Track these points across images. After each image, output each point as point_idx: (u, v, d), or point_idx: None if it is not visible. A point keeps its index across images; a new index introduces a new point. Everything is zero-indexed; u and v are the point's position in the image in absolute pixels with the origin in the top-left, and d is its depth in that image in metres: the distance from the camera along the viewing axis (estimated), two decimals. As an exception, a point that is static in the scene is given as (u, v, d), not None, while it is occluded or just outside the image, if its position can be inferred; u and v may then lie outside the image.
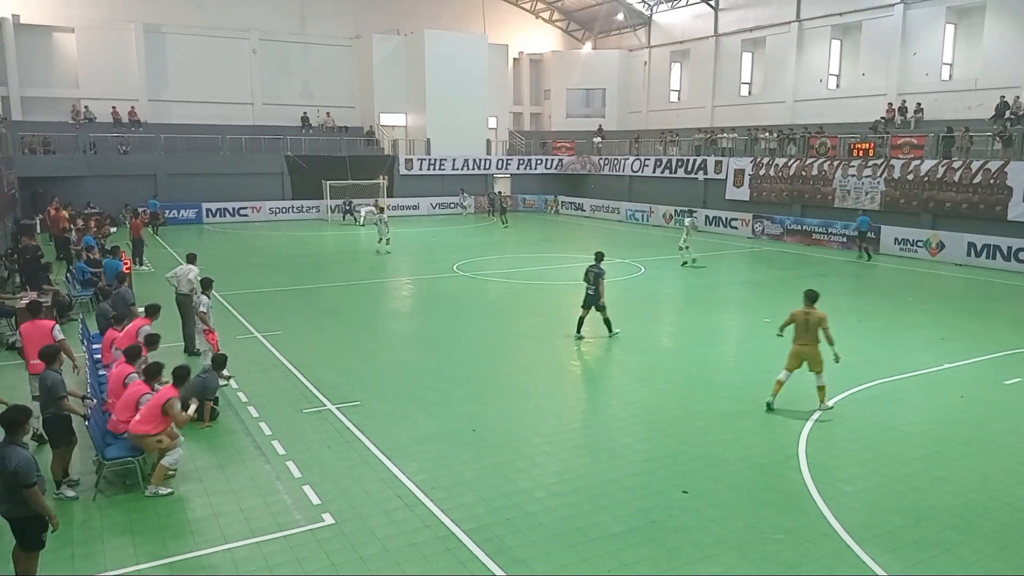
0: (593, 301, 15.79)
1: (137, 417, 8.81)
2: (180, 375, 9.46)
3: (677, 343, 16.39)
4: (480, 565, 7.23)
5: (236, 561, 7.33)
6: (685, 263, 25.42)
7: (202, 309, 12.60)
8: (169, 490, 8.70)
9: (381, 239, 28.51)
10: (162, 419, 8.80)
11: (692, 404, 11.85)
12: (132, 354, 9.57)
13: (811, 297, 11.77)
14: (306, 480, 9.02)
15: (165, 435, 8.85)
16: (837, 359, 11.30)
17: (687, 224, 26.69)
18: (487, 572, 7.12)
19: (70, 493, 8.58)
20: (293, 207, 40.96)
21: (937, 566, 7.29)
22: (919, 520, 8.16)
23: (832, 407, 11.61)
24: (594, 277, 15.71)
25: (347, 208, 40.41)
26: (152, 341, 10.35)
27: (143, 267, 24.58)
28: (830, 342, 11.27)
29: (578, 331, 15.96)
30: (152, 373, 9.38)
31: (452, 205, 44.97)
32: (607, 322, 15.95)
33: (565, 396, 12.51)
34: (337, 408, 11.53)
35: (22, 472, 6.19)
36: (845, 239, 30.41)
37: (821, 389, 11.51)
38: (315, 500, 8.51)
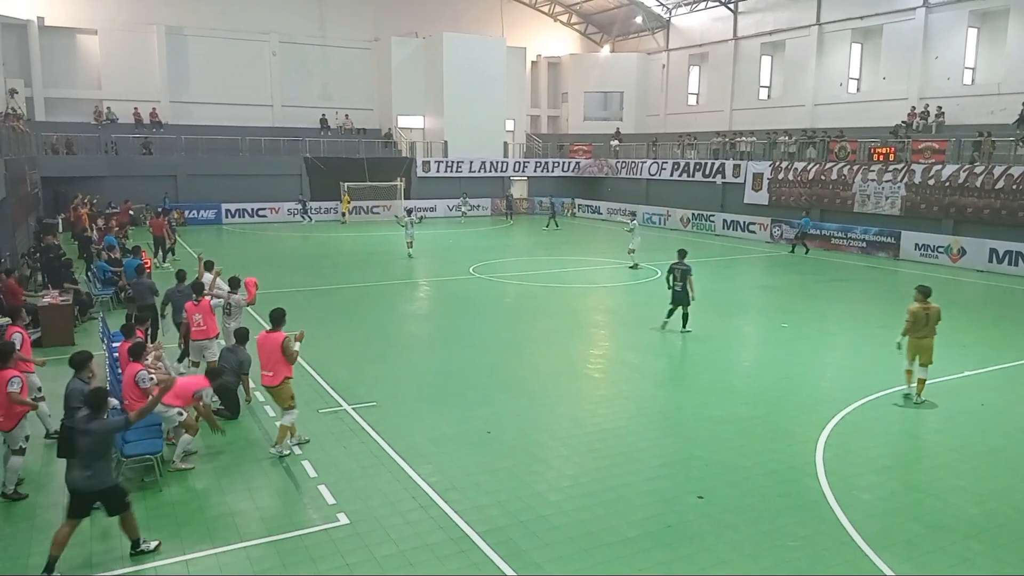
0: (682, 299, 16.35)
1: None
2: (214, 373, 10.00)
3: (693, 348, 16.29)
4: (494, 567, 7.23)
5: (251, 560, 7.38)
6: (635, 266, 25.67)
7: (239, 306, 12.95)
8: (288, 451, 9.66)
9: (408, 242, 27.98)
10: (189, 399, 9.34)
11: (708, 409, 11.79)
12: (136, 351, 9.61)
13: (925, 292, 12.25)
14: (321, 480, 9.06)
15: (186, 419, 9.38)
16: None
17: (634, 225, 26.63)
18: (501, 574, 7.12)
19: None
20: (314, 207, 41.15)
21: (956, 575, 7.21)
22: (938, 529, 8.07)
23: (923, 401, 11.97)
24: (681, 274, 16.27)
25: (302, 207, 40.21)
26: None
27: (165, 265, 24.85)
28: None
29: (667, 318, 16.74)
30: (137, 352, 9.57)
31: (469, 207, 44.96)
32: (685, 317, 16.53)
33: (580, 399, 12.49)
34: (353, 408, 11.58)
35: (115, 427, 7.25)
36: (865, 244, 30.17)
37: (922, 382, 12.00)
38: (330, 500, 8.55)
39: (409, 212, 29.47)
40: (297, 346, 9.93)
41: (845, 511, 8.38)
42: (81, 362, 8.57)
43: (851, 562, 7.40)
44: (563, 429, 10.90)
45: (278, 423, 9.94)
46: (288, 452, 9.78)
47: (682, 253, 16.79)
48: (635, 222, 26.94)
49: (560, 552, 7.50)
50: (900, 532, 7.99)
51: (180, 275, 13.86)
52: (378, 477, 9.18)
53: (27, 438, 8.81)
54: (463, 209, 44.11)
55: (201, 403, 9.40)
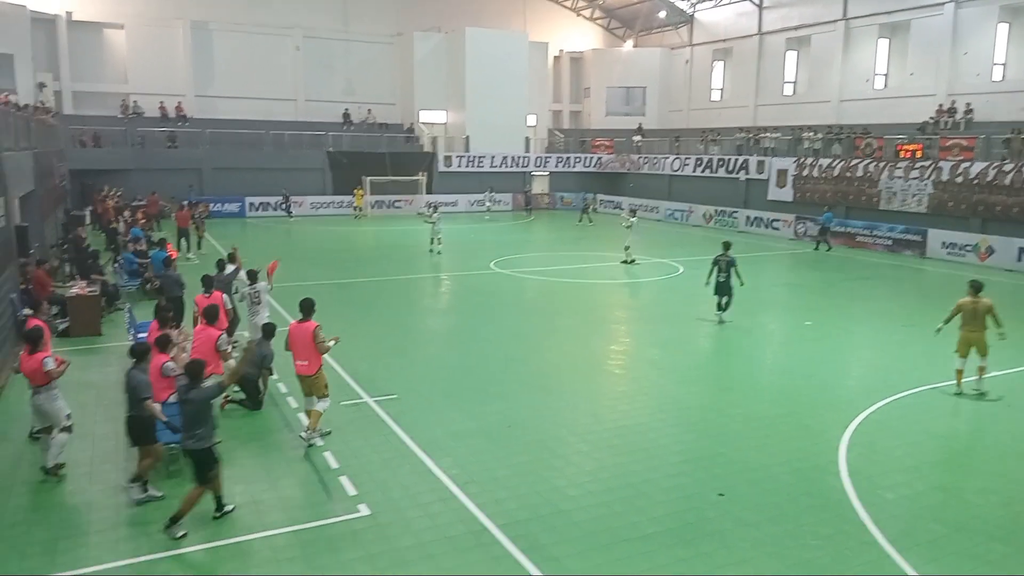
0: (726, 289, 16.89)
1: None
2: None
3: (716, 344, 16.21)
4: (513, 561, 7.25)
5: (274, 548, 7.45)
6: (632, 261, 25.43)
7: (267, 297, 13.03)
8: (316, 436, 9.86)
9: (433, 239, 27.34)
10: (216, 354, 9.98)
11: (730, 407, 11.72)
12: (163, 343, 9.63)
13: (976, 287, 12.45)
14: (343, 471, 9.13)
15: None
16: (1003, 337, 12.22)
17: (633, 221, 25.90)
18: (520, 568, 7.14)
19: (157, 494, 8.50)
20: (334, 202, 41.37)
21: (981, 578, 7.12)
22: (963, 530, 7.97)
23: (987, 392, 12.21)
24: (726, 265, 16.87)
25: (284, 202, 39.23)
26: (209, 314, 10.61)
27: (190, 256, 25.14)
28: (999, 324, 12.17)
29: (719, 317, 17.25)
30: (163, 344, 9.59)
31: (495, 203, 44.90)
32: (728, 304, 17.15)
33: (601, 395, 12.47)
34: (374, 401, 11.65)
35: (212, 393, 7.86)
36: (891, 242, 29.80)
37: (981, 369, 12.25)
38: (351, 491, 8.62)
39: (435, 208, 28.55)
40: (331, 343, 10.10)
41: (868, 511, 8.30)
42: (142, 353, 8.69)
43: (874, 562, 7.33)
44: (583, 424, 10.89)
45: (313, 408, 9.99)
46: (315, 441, 9.85)
47: (727, 245, 17.36)
48: (634, 219, 26.10)
49: (579, 547, 7.50)
50: (924, 533, 7.90)
51: (221, 264, 14.03)
52: (399, 469, 9.23)
53: (69, 415, 9.11)
54: (487, 204, 43.52)
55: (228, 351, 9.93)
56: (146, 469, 8.46)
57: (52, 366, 8.92)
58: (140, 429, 8.37)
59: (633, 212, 27.76)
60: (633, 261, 25.37)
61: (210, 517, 8.00)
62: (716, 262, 17.03)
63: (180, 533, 7.57)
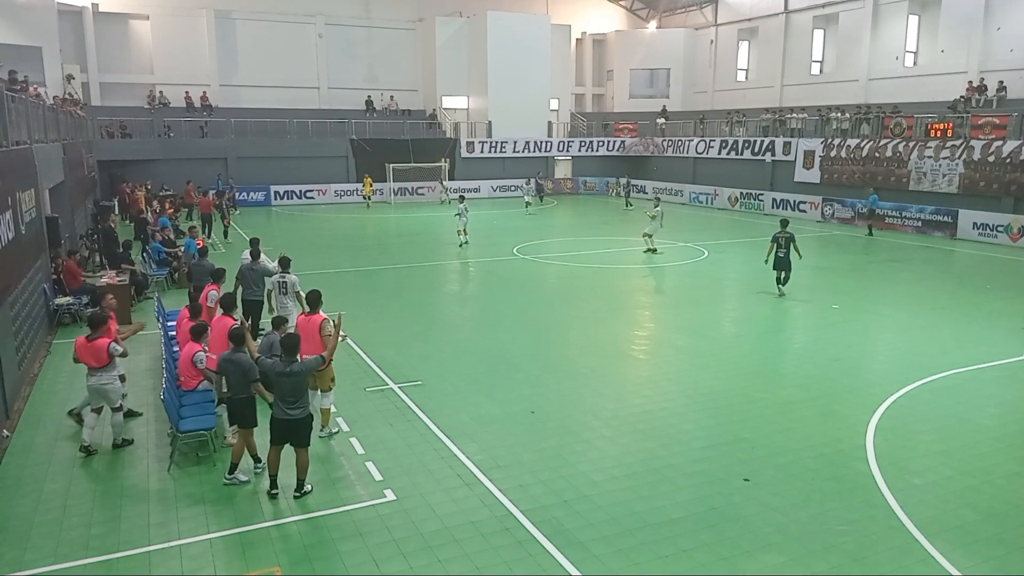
0: (785, 264, 17.92)
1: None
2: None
3: (741, 329, 16.09)
4: (538, 546, 7.29)
5: (301, 533, 7.57)
6: (653, 250, 24.26)
7: (297, 289, 12.81)
8: (337, 428, 9.93)
9: (461, 230, 26.06)
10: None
11: (756, 391, 11.65)
12: (198, 332, 9.84)
13: None
14: (369, 457, 9.23)
15: None
16: None
17: (657, 212, 24.43)
18: (545, 552, 7.18)
19: (243, 478, 8.65)
20: (357, 190, 41.53)
21: (1012, 565, 7.03)
22: (993, 516, 7.87)
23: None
24: (785, 241, 17.86)
25: (229, 190, 35.08)
26: (227, 303, 10.46)
27: (209, 241, 25.54)
28: None
29: (780, 289, 18.26)
30: (198, 332, 9.78)
31: (514, 188, 44.76)
32: (787, 279, 18.12)
33: (625, 380, 12.44)
34: (399, 387, 11.74)
35: (311, 366, 8.30)
36: (921, 223, 29.31)
37: None
38: (377, 476, 8.71)
39: (462, 198, 27.09)
40: (339, 334, 9.58)
41: (896, 496, 8.23)
42: (241, 337, 8.85)
43: (901, 548, 7.27)
44: (607, 410, 10.89)
45: (320, 407, 9.74)
46: (337, 430, 9.98)
47: (784, 222, 18.56)
48: (659, 208, 24.71)
49: (604, 532, 7.52)
50: (953, 518, 7.81)
51: (254, 254, 13.95)
52: (424, 455, 9.30)
53: (124, 396, 9.62)
54: (527, 196, 38.05)
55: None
56: (240, 452, 8.72)
57: (119, 351, 9.50)
58: (250, 410, 8.65)
59: (659, 200, 26.09)
60: (653, 251, 24.28)
61: (239, 501, 8.14)
62: (775, 239, 18.03)
63: (308, 488, 8.30)
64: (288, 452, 8.29)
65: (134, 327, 11.42)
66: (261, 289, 13.49)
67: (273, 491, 8.27)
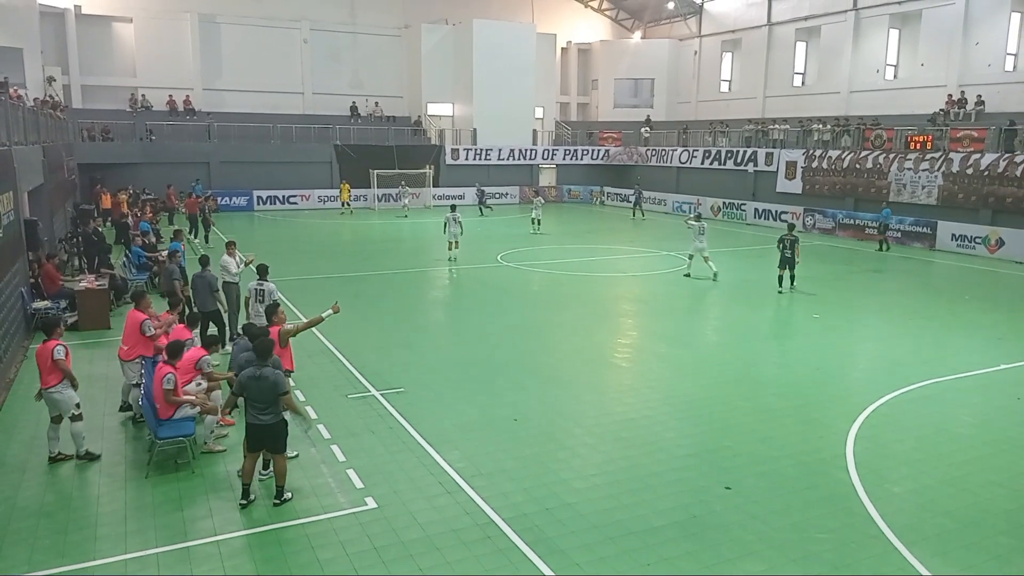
0: (790, 263, 19.64)
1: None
2: (209, 342, 10.10)
3: (723, 337, 16.17)
4: (519, 554, 7.26)
5: (281, 541, 7.49)
6: (715, 274, 21.60)
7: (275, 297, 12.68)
8: (295, 452, 9.22)
9: (452, 243, 24.26)
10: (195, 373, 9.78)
11: (737, 399, 11.70)
12: (173, 352, 9.56)
13: None
14: (350, 464, 9.17)
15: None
16: None
17: (699, 224, 21.76)
18: (526, 561, 7.15)
19: (288, 495, 8.33)
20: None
21: (988, 571, 7.10)
22: (970, 524, 7.94)
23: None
24: (790, 243, 19.62)
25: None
26: (177, 349, 9.72)
27: (196, 240, 25.40)
28: None
29: (780, 286, 19.91)
30: (173, 352, 9.56)
31: (497, 195, 44.81)
32: (793, 278, 19.89)
33: (607, 388, 12.46)
34: (381, 394, 11.68)
35: (281, 383, 7.98)
36: (900, 234, 29.64)
37: None
38: (359, 484, 8.65)
39: (453, 207, 25.07)
40: (328, 312, 10.19)
41: (875, 504, 8.29)
42: (268, 350, 8.61)
43: (880, 556, 7.32)
44: (589, 417, 10.90)
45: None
46: (294, 455, 9.10)
47: (791, 226, 20.62)
48: (701, 223, 21.75)
49: (586, 540, 7.51)
50: (931, 527, 7.88)
51: (203, 260, 13.97)
52: (405, 462, 9.25)
53: (78, 404, 9.27)
54: (535, 212, 32.83)
55: (209, 374, 9.81)
56: (284, 473, 8.34)
57: (61, 356, 9.26)
58: (283, 433, 8.19)
59: (698, 216, 22.79)
60: (715, 275, 21.34)
61: (216, 510, 8.06)
62: (782, 240, 19.83)
63: (288, 496, 8.22)
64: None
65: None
66: (211, 300, 13.49)
67: (244, 501, 8.11)
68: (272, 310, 10.02)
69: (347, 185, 39.90)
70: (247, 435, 8.19)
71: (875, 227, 29.52)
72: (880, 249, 28.03)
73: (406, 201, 39.61)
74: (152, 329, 10.41)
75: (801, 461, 9.43)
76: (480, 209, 39.59)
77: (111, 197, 31.66)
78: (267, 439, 8.14)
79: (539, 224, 32.56)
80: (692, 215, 23.75)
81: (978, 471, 9.22)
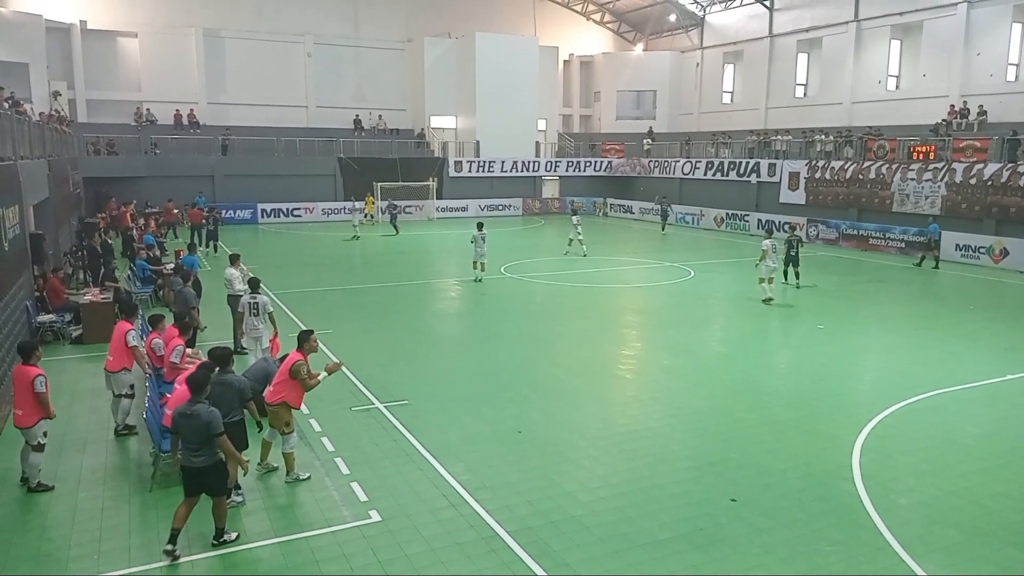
0: (795, 260, 21.94)
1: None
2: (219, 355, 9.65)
3: (727, 348, 16.13)
4: (524, 567, 7.23)
5: (285, 554, 7.47)
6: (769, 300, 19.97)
7: (269, 310, 12.74)
8: (307, 474, 9.13)
9: (477, 262, 23.09)
10: None
11: (742, 411, 11.66)
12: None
13: None
14: (354, 477, 9.14)
15: None
16: None
17: (772, 247, 20.13)
18: (531, 574, 7.11)
19: (237, 499, 8.44)
20: (345, 208, 41.42)
21: (997, 584, 7.04)
22: (979, 536, 7.89)
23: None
24: (797, 242, 22.10)
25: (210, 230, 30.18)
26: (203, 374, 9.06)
27: (203, 249, 25.60)
28: None
29: (785, 280, 22.11)
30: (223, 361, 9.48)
31: (500, 207, 45.01)
32: (798, 275, 21.99)
33: (611, 399, 12.43)
34: (385, 407, 11.66)
35: (214, 423, 7.32)
36: (904, 244, 29.61)
37: None
38: (362, 497, 8.62)
39: (480, 226, 23.50)
40: (322, 376, 9.32)
41: (882, 516, 8.23)
42: (228, 358, 8.65)
43: (888, 568, 7.26)
44: (594, 429, 10.86)
45: (282, 451, 9.14)
46: (307, 476, 9.13)
47: (793, 227, 23.48)
48: (770, 241, 20.27)
49: (591, 553, 7.47)
50: (939, 539, 7.82)
51: (180, 273, 14.09)
52: (410, 475, 9.23)
53: (45, 434, 8.87)
54: (574, 233, 28.90)
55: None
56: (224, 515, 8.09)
57: (42, 388, 8.81)
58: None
59: (770, 232, 22.41)
60: (769, 300, 19.88)
61: (214, 525, 8.04)
62: (789, 240, 22.16)
63: (230, 536, 7.66)
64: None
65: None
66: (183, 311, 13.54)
67: (170, 547, 7.29)
68: (304, 337, 9.41)
69: (371, 198, 40.58)
70: (182, 477, 7.58)
71: (923, 242, 27.30)
72: (919, 264, 26.43)
73: (357, 220, 34.74)
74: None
75: (807, 473, 9.38)
76: (393, 225, 35.72)
77: (119, 209, 31.74)
78: (204, 483, 7.46)
79: (581, 244, 28.46)
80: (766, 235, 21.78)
81: (985, 482, 9.16)
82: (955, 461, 9.80)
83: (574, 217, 29.44)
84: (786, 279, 22.00)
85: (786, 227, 28.95)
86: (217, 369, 8.41)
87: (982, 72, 33.08)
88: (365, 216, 39.82)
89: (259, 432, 9.18)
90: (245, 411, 8.69)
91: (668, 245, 32.36)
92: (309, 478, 9.11)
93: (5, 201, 13.30)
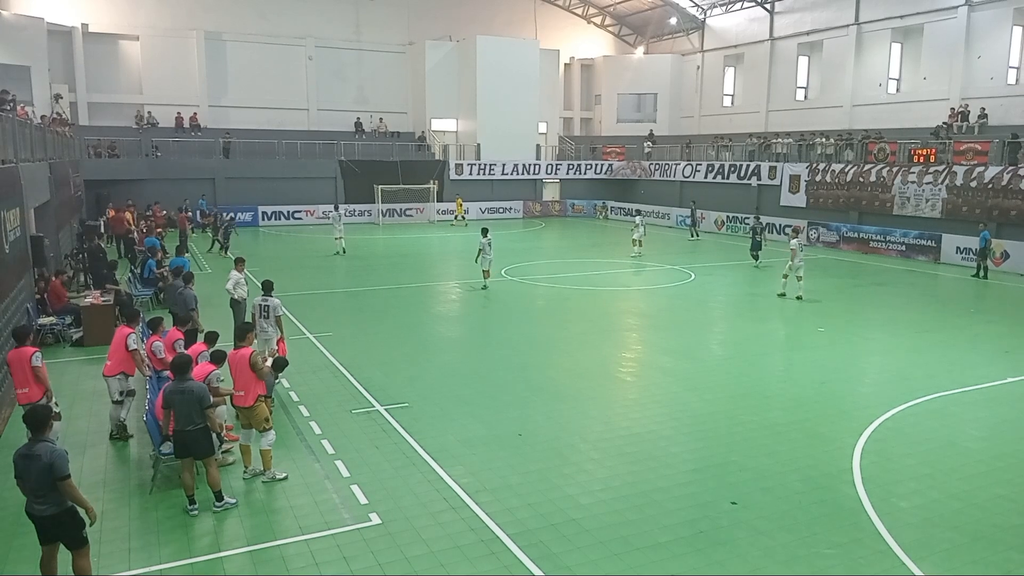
0: (758, 246, 25.87)
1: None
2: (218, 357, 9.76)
3: (727, 352, 16.12)
4: (524, 570, 7.22)
5: (285, 557, 7.46)
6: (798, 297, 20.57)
7: (280, 313, 12.67)
8: (284, 474, 9.20)
9: (487, 270, 22.40)
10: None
11: (742, 414, 11.65)
12: (180, 367, 9.44)
13: None
14: (354, 480, 9.14)
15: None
16: None
17: (800, 245, 20.93)
18: (531, 577, 7.11)
19: (232, 500, 8.56)
20: (346, 211, 41.40)
21: (998, 587, 7.04)
22: (979, 539, 7.88)
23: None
24: (760, 229, 26.02)
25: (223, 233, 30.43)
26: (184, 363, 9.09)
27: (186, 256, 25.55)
28: None
29: (756, 263, 25.72)
30: (180, 368, 9.48)
31: (501, 210, 45.05)
32: (758, 257, 25.27)
33: (612, 402, 12.42)
34: (385, 409, 11.66)
35: (58, 465, 6.20)
36: (905, 247, 29.60)
37: None
38: (363, 500, 8.62)
39: (485, 232, 22.30)
40: (262, 361, 9.41)
41: (883, 519, 8.22)
42: (187, 364, 8.57)
43: (888, 571, 7.25)
44: (594, 432, 10.86)
45: (260, 448, 9.25)
46: (284, 476, 9.19)
47: (757, 217, 26.21)
48: (797, 241, 20.89)
49: (591, 556, 7.47)
50: (940, 542, 7.81)
51: (182, 275, 14.13)
52: (410, 478, 9.23)
53: (57, 404, 9.26)
54: (637, 234, 29.34)
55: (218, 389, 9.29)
56: (218, 479, 8.47)
57: (39, 363, 9.40)
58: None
59: (796, 232, 22.55)
60: (797, 296, 20.46)
61: (220, 526, 8.03)
62: (752, 228, 25.94)
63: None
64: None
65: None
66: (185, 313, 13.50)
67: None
68: (247, 328, 9.78)
69: (460, 199, 41.80)
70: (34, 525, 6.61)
71: (974, 252, 25.84)
72: (977, 275, 25.01)
73: (339, 229, 30.33)
74: (136, 343, 10.30)
75: (807, 476, 9.37)
76: (218, 242, 30.58)
77: (115, 212, 31.75)
78: (54, 534, 6.50)
79: (639, 245, 28.68)
80: (792, 233, 22.49)
81: (986, 485, 9.15)
82: (956, 464, 9.79)
83: (637, 217, 30.43)
84: (757, 261, 26.03)
85: (750, 219, 32.03)
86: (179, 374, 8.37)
87: (982, 75, 33.09)
88: (455, 217, 40.34)
89: (219, 446, 9.16)
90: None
91: (669, 248, 32.35)
92: (286, 478, 9.15)
93: (6, 204, 13.31)
